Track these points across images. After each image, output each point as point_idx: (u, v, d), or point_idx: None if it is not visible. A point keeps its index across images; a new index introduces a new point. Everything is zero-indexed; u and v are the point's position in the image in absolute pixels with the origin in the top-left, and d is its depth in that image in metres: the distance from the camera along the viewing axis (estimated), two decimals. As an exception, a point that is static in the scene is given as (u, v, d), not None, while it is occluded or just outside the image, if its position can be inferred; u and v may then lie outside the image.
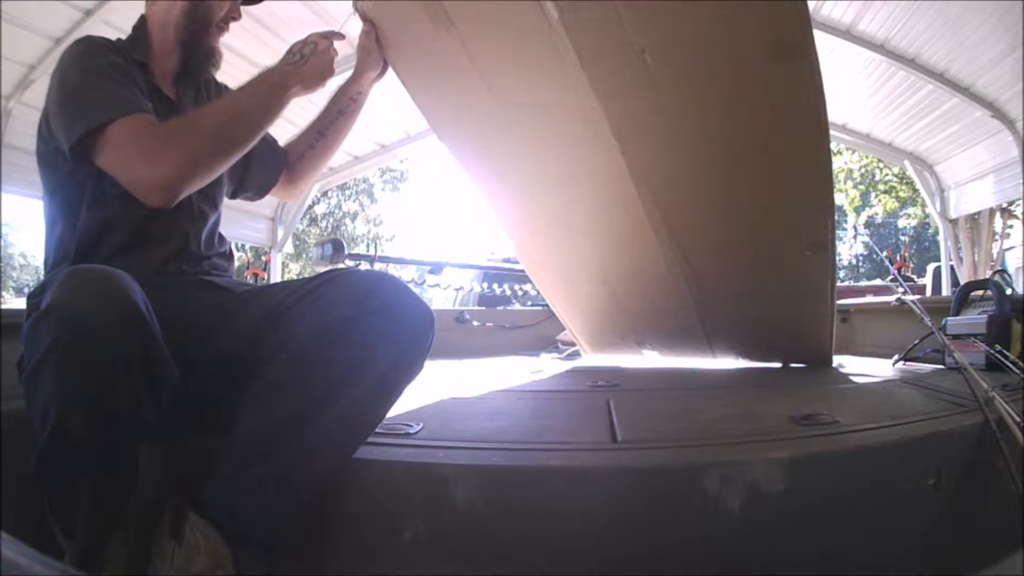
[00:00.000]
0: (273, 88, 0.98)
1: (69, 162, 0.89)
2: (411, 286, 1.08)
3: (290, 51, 1.05)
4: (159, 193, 0.86)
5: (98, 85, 0.88)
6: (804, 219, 1.17)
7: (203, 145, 0.88)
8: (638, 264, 1.56)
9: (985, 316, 1.49)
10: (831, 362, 1.68)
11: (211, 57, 1.06)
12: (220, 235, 1.10)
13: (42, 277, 0.95)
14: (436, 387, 1.38)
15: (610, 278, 1.73)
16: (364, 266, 2.91)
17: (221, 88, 1.15)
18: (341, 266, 2.62)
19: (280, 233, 6.88)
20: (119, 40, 1.01)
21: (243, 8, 1.11)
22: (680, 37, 1.05)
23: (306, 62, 1.03)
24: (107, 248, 0.92)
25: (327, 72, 1.07)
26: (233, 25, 1.09)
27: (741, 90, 1.09)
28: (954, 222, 6.35)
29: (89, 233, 0.91)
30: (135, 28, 1.03)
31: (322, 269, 2.74)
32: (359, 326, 0.75)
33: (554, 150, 1.37)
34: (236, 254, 1.17)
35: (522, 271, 2.06)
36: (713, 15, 1.00)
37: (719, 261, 1.44)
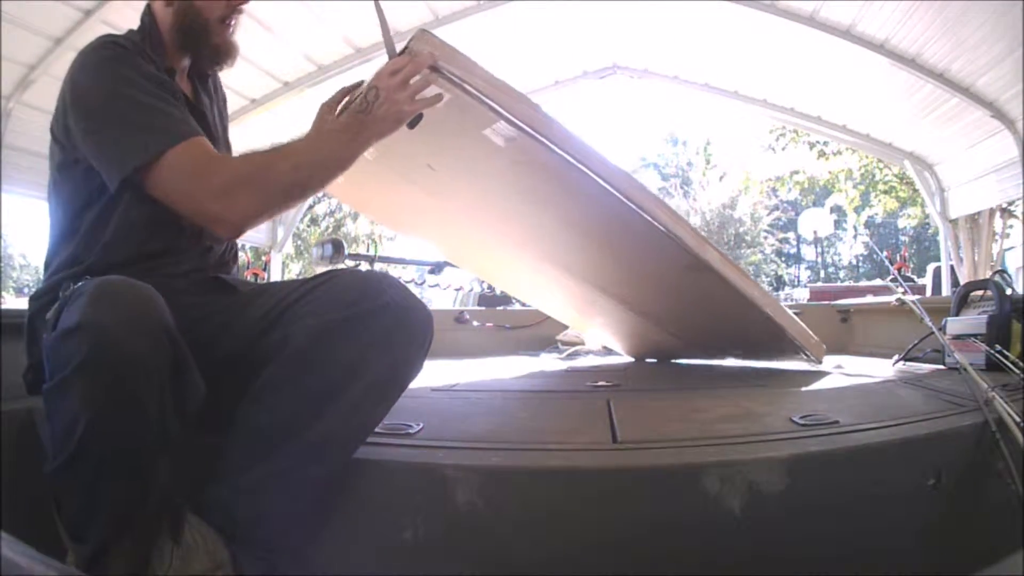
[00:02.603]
0: (355, 140, 0.89)
1: (90, 182, 0.87)
2: (411, 286, 1.09)
3: (361, 96, 0.91)
4: (230, 230, 0.86)
5: (145, 106, 0.84)
6: (678, 251, 1.31)
7: (278, 190, 0.86)
8: (607, 314, 1.89)
9: (985, 316, 1.49)
10: (820, 360, 1.68)
11: (219, 55, 1.00)
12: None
13: (42, 277, 0.94)
14: (436, 387, 1.38)
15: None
16: (364, 266, 2.91)
17: (218, 84, 1.13)
18: (341, 266, 2.62)
19: (280, 233, 6.89)
20: (134, 34, 0.96)
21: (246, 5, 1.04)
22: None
23: (369, 111, 0.89)
24: (130, 260, 0.89)
25: (402, 116, 0.92)
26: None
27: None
28: (954, 222, 6.35)
29: (114, 248, 0.89)
30: (148, 28, 0.97)
31: (322, 269, 2.74)
32: (358, 326, 0.75)
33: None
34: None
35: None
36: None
37: (664, 301, 1.72)
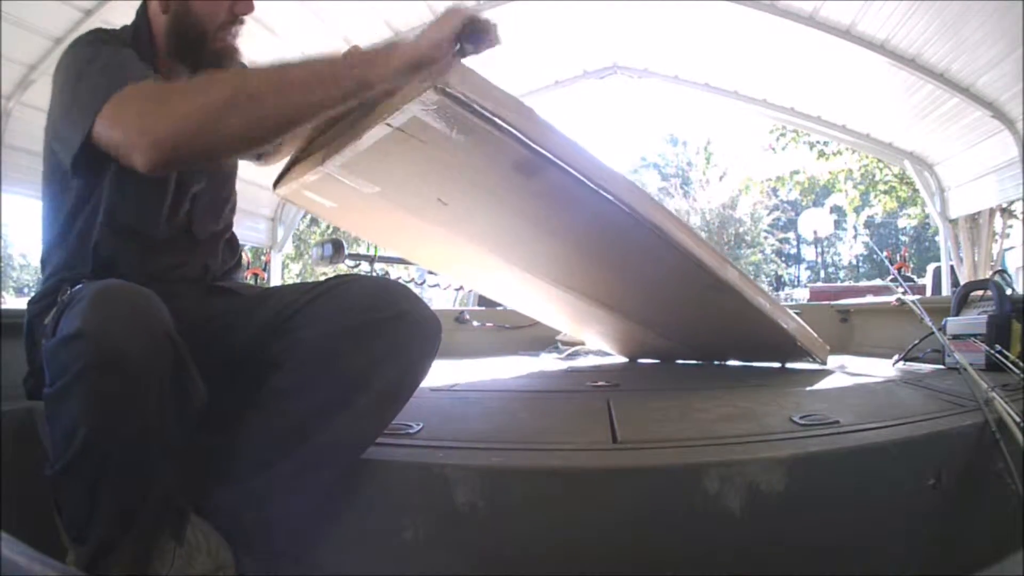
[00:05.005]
0: (344, 71, 0.73)
1: (79, 182, 0.84)
2: (411, 286, 1.09)
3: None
4: (142, 154, 0.70)
5: (93, 77, 0.77)
6: (699, 272, 1.32)
7: (217, 108, 0.70)
8: (608, 324, 1.88)
9: (985, 316, 1.49)
10: (825, 362, 1.69)
11: (220, 60, 0.93)
12: (232, 244, 1.07)
13: (40, 278, 0.94)
14: (436, 387, 1.38)
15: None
16: (364, 266, 2.91)
17: None
18: (342, 267, 2.62)
19: (280, 233, 6.88)
20: (126, 31, 0.92)
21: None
22: None
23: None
24: (125, 267, 0.87)
25: (445, 39, 0.76)
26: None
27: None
28: (954, 222, 6.35)
29: (103, 258, 0.87)
30: (136, 27, 0.92)
31: (322, 269, 2.74)
32: (370, 335, 0.75)
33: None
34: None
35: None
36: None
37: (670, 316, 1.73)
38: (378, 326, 0.76)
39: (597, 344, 2.25)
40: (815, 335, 1.63)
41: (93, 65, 0.80)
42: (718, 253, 1.33)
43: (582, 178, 1.08)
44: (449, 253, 1.67)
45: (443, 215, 1.32)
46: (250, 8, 0.93)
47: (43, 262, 0.94)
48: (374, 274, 2.83)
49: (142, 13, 0.93)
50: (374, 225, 1.56)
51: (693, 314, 1.63)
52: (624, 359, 2.16)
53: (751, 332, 1.58)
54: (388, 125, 0.95)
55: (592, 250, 1.43)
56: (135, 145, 0.70)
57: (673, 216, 1.27)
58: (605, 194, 1.11)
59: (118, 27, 0.94)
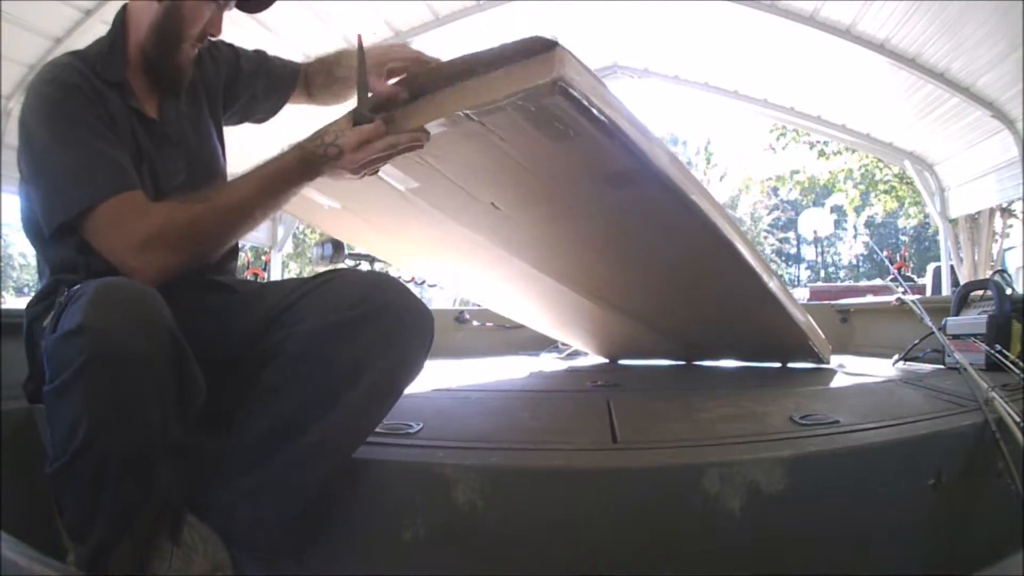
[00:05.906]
0: (285, 184, 0.86)
1: None
2: (411, 286, 1.09)
3: (319, 133, 0.87)
4: (146, 281, 0.79)
5: (74, 158, 0.81)
6: (748, 285, 1.31)
7: (198, 246, 0.85)
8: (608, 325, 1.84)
9: (985, 316, 1.49)
10: (828, 360, 1.69)
11: (179, 77, 0.95)
12: None
13: (38, 278, 0.94)
14: (436, 387, 1.38)
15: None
16: (364, 266, 2.90)
17: (220, 62, 1.09)
18: (340, 266, 2.61)
19: (280, 233, 6.88)
20: (94, 48, 0.92)
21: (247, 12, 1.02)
22: None
23: (323, 161, 0.86)
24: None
25: (344, 178, 0.89)
26: (234, 25, 1.01)
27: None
28: (954, 222, 6.35)
29: (97, 256, 0.85)
30: (113, 33, 0.92)
31: (322, 269, 2.74)
32: (358, 328, 0.75)
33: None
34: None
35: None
36: None
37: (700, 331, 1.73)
38: (366, 320, 0.75)
39: (586, 347, 2.24)
40: (820, 331, 1.62)
41: (66, 148, 0.82)
42: (764, 262, 1.30)
43: (676, 190, 1.01)
44: (464, 261, 1.59)
45: (485, 220, 1.23)
46: (218, 31, 0.96)
47: (39, 265, 0.93)
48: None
49: (119, 21, 0.93)
50: (375, 229, 1.49)
51: (712, 314, 1.59)
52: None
53: (765, 330, 1.56)
54: (469, 117, 0.86)
55: (635, 257, 1.37)
56: (135, 274, 0.80)
57: (740, 231, 1.22)
58: (696, 211, 1.05)
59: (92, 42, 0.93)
